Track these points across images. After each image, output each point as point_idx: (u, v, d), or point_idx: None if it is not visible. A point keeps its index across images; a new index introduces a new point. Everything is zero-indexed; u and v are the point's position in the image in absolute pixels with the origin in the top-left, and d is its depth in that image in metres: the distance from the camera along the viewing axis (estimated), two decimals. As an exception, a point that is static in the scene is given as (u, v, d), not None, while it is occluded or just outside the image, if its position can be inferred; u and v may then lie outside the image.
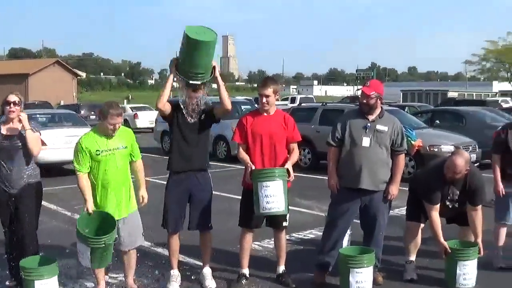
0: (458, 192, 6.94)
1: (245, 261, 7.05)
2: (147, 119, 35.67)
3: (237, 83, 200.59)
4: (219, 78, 6.66)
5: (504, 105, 35.66)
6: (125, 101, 61.58)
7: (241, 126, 6.85)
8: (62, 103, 51.48)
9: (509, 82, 57.54)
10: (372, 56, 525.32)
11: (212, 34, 6.35)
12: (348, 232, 7.41)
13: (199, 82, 6.48)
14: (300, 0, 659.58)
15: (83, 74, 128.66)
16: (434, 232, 6.96)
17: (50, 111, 22.84)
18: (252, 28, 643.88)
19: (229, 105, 6.63)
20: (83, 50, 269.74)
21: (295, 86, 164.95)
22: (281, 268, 7.11)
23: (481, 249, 6.94)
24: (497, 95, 58.67)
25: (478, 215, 7.00)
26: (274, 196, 6.43)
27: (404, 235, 7.46)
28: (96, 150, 6.17)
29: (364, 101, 6.76)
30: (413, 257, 7.28)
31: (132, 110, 38.66)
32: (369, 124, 6.74)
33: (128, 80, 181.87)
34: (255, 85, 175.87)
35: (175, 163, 6.74)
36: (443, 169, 6.81)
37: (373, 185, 6.74)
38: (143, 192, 6.63)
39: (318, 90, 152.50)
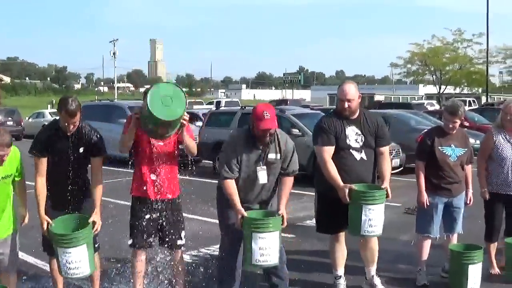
0: (363, 138, 6.37)
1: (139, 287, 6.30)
2: (66, 124, 34.45)
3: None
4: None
5: (430, 108, 35.98)
6: (49, 106, 59.91)
7: None
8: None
9: (435, 85, 58.32)
10: (300, 60, 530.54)
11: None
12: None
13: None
14: (228, 4, 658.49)
15: (8, 79, 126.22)
16: (331, 177, 6.23)
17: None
18: (180, 32, 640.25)
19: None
20: (8, 54, 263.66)
21: (223, 90, 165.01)
22: None
23: (389, 193, 6.23)
24: (423, 98, 59.57)
25: (386, 158, 6.47)
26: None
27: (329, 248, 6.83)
28: None
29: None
30: (341, 271, 6.69)
31: (51, 116, 37.34)
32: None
33: (54, 85, 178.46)
34: (183, 89, 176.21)
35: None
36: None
37: None
38: (23, 211, 6.00)
39: (247, 94, 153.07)
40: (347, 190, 6.05)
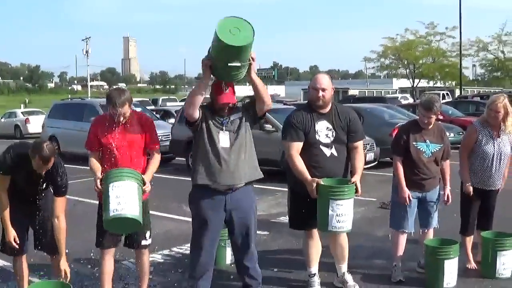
0: (334, 133, 6.24)
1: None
2: (39, 124, 34.07)
3: (139, 85, 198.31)
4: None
5: (404, 102, 36.06)
6: (22, 105, 59.32)
7: None
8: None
9: (408, 79, 58.60)
10: (274, 56, 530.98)
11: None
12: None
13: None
14: (201, 1, 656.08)
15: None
16: (298, 172, 6.12)
17: None
18: (154, 30, 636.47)
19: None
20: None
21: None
22: None
23: (359, 188, 6.09)
24: (397, 91, 59.79)
25: (358, 153, 6.37)
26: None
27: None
28: None
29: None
30: (315, 269, 6.55)
31: (23, 115, 36.98)
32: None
33: (27, 84, 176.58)
34: (157, 86, 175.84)
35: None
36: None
37: None
38: None
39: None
40: (314, 185, 5.93)
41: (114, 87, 5.91)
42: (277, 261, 7.59)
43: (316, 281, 6.53)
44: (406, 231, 6.96)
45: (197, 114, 5.73)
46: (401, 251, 7.01)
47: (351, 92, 63.54)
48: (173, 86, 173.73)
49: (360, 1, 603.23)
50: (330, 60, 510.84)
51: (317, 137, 6.16)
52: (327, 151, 6.20)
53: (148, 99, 48.79)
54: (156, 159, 6.08)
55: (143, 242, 6.08)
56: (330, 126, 6.22)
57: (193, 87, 6.05)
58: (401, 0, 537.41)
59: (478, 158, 7.16)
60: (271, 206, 11.04)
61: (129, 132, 5.89)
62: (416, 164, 6.80)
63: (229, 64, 5.38)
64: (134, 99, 31.41)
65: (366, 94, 64.19)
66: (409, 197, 6.76)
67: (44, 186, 5.93)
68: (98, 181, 5.64)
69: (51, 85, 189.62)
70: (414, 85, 57.04)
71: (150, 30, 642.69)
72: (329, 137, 6.20)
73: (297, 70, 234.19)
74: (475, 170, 7.20)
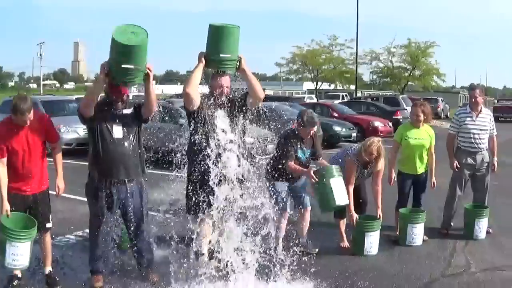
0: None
1: None
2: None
3: (86, 84, 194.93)
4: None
5: (308, 101, 36.25)
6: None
7: None
8: None
9: (313, 82, 59.23)
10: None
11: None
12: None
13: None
14: (140, 9, 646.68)
15: None
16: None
17: None
18: (100, 35, 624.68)
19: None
20: None
21: (136, 86, 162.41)
22: (48, 269, 5.99)
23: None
24: (306, 93, 60.27)
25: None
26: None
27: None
28: None
29: None
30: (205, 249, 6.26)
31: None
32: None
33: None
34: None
35: None
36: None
37: None
38: None
39: (156, 89, 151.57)
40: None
41: (18, 95, 5.52)
42: (175, 242, 7.22)
43: (205, 261, 6.19)
44: (288, 211, 6.95)
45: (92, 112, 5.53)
46: (283, 231, 6.93)
47: (267, 92, 63.53)
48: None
49: (274, 14, 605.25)
50: (250, 65, 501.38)
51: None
52: None
53: None
54: (59, 157, 5.93)
55: (47, 225, 5.90)
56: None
57: (90, 86, 5.75)
58: (311, 16, 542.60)
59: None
60: (173, 192, 10.61)
61: (32, 134, 5.62)
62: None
63: (122, 66, 5.15)
64: (79, 96, 30.85)
65: (280, 94, 64.50)
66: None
67: None
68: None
69: (11, 84, 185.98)
70: (318, 88, 57.84)
71: (98, 35, 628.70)
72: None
73: (222, 72, 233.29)
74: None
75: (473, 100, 7.89)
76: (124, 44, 5.02)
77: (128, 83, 5.57)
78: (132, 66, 5.17)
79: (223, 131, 5.66)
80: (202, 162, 5.70)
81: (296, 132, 6.90)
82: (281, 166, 6.78)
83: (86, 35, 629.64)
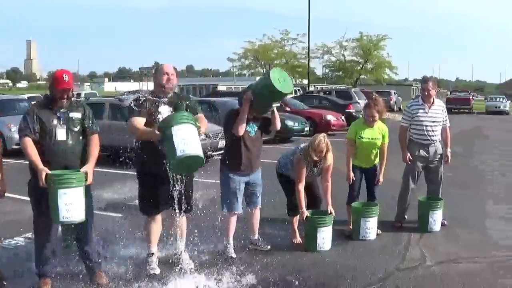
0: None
1: None
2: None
3: (38, 82, 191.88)
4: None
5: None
6: None
7: None
8: None
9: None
10: (156, 56, 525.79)
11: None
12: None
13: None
14: (94, 7, 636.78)
15: None
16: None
17: None
18: (52, 33, 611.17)
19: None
20: None
21: (89, 83, 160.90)
22: None
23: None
24: (259, 88, 60.25)
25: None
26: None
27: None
28: None
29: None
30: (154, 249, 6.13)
31: None
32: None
33: None
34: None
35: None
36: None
37: None
38: None
39: (109, 87, 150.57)
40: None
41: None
42: (126, 242, 6.94)
43: (154, 261, 6.06)
44: (237, 212, 6.66)
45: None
46: (233, 230, 6.71)
47: (220, 87, 63.41)
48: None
49: (227, 10, 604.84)
50: (204, 61, 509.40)
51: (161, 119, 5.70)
52: None
53: (40, 95, 47.90)
54: None
55: None
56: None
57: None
58: (263, 11, 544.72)
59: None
60: (129, 190, 10.33)
61: None
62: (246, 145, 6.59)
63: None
64: (30, 95, 30.98)
65: (233, 90, 64.33)
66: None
67: None
68: None
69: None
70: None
71: (51, 34, 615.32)
72: None
73: (175, 68, 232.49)
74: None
75: (426, 93, 7.82)
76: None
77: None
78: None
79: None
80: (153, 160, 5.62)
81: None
82: (233, 153, 6.53)
83: (39, 33, 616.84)
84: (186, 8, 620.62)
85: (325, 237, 6.90)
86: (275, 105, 6.49)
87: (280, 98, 6.40)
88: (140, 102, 5.75)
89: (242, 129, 6.34)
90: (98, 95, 45.96)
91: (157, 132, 5.36)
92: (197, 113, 5.89)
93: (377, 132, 7.57)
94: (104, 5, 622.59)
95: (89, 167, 5.27)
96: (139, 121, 5.65)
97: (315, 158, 6.82)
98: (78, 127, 5.46)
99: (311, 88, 49.31)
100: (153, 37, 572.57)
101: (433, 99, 7.88)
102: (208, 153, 12.51)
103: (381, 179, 7.70)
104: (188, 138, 5.14)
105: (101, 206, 8.66)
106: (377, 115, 7.51)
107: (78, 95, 47.69)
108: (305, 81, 54.58)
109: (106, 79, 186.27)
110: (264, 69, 57.47)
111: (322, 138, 6.81)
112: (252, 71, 60.49)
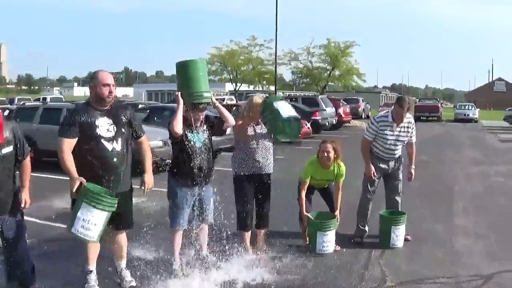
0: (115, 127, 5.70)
1: None
2: None
3: (7, 86, 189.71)
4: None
5: (228, 102, 36.29)
6: None
7: None
8: None
9: (232, 83, 58.94)
10: (125, 61, 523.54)
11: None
12: None
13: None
14: (64, 10, 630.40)
15: None
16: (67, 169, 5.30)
17: None
18: (22, 36, 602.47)
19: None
20: None
21: (58, 88, 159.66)
22: None
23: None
24: (227, 94, 60.13)
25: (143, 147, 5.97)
26: None
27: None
28: None
29: None
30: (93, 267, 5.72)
31: None
32: None
33: None
34: (24, 87, 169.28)
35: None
36: None
37: None
38: None
39: (79, 91, 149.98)
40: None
41: None
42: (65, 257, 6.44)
43: (93, 278, 5.70)
44: (181, 229, 6.30)
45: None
46: (178, 247, 6.36)
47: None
48: (37, 87, 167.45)
49: (192, 14, 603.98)
50: (168, 66, 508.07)
51: (98, 131, 5.38)
52: (109, 146, 5.44)
53: (5, 99, 47.75)
54: None
55: None
56: (111, 121, 5.49)
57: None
58: (229, 16, 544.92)
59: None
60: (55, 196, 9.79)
61: None
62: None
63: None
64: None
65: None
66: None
67: None
68: None
69: None
70: (237, 89, 57.52)
71: (20, 36, 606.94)
72: (110, 131, 5.47)
73: (144, 74, 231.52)
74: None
75: (398, 116, 7.42)
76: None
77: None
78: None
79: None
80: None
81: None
82: (182, 163, 6.19)
83: (8, 36, 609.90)
84: (152, 12, 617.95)
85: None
86: (207, 100, 6.10)
87: (195, 67, 6.05)
88: (74, 117, 5.35)
89: (177, 126, 6.01)
90: (63, 100, 45.31)
91: (75, 186, 5.06)
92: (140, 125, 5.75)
93: (331, 175, 7.27)
94: (75, 8, 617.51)
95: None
96: (68, 147, 5.26)
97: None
98: None
99: (280, 95, 49.08)
100: (122, 41, 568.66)
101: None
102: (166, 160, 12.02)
103: (337, 214, 7.32)
104: None
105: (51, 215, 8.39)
106: (332, 151, 7.18)
107: (44, 99, 47.05)
108: (272, 88, 54.56)
109: (76, 84, 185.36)
110: (231, 75, 57.16)
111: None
112: (219, 77, 60.02)
